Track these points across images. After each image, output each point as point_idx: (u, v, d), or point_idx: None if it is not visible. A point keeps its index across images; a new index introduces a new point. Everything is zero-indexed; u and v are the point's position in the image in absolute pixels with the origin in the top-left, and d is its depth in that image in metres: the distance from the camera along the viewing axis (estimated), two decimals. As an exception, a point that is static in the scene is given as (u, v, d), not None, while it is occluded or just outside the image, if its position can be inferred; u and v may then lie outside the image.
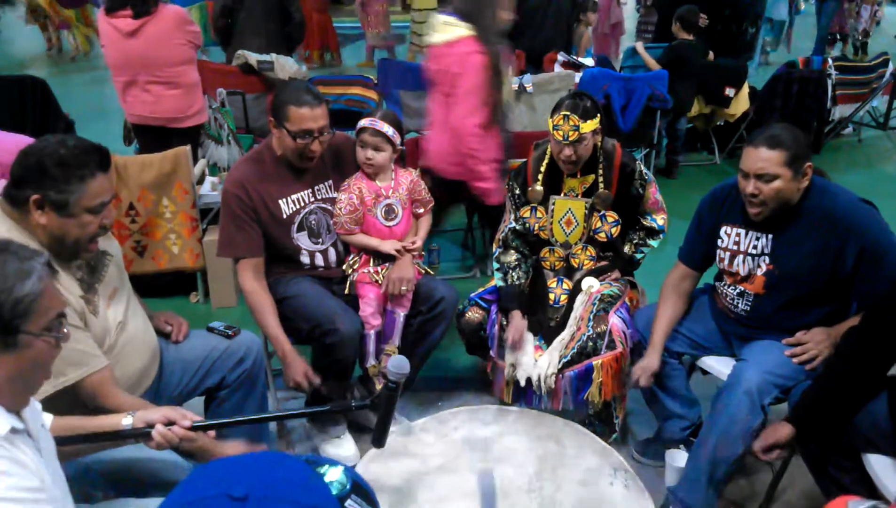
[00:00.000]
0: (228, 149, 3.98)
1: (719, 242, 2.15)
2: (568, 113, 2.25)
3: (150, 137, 3.69)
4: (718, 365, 2.22)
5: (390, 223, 2.42)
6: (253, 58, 4.24)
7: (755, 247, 2.06)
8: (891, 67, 6.09)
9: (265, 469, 0.80)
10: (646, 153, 5.07)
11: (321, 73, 8.21)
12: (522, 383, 2.35)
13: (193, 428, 1.51)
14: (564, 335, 2.37)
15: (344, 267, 2.44)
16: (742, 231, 2.10)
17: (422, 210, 2.54)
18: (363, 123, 2.36)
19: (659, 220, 2.49)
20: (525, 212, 2.50)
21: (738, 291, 2.12)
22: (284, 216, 2.32)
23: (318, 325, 2.18)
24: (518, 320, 2.39)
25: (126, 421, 1.51)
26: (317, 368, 2.22)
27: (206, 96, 3.88)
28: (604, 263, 2.54)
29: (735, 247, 2.11)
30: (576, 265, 2.52)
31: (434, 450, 1.87)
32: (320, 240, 2.41)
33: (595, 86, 4.57)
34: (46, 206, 1.59)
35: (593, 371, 2.26)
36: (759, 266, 2.06)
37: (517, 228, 2.53)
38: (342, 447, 2.44)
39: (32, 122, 4.04)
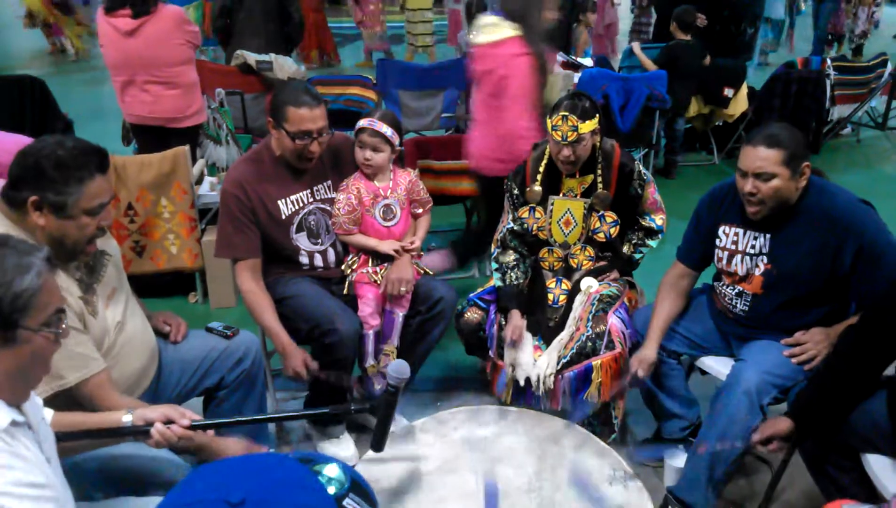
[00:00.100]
0: (227, 149, 3.98)
1: (717, 241, 2.15)
2: (566, 113, 2.25)
3: (149, 137, 3.69)
4: (717, 365, 2.22)
5: (389, 224, 2.42)
6: (252, 58, 4.24)
7: (753, 247, 2.07)
8: (889, 67, 6.10)
9: (262, 472, 0.81)
10: (644, 153, 5.08)
11: (320, 73, 8.21)
12: (522, 383, 2.35)
13: (192, 427, 1.52)
14: (563, 335, 2.37)
15: (343, 267, 2.44)
16: (740, 231, 2.10)
17: (420, 210, 2.54)
18: (362, 123, 2.35)
19: (658, 220, 2.50)
20: (523, 212, 2.50)
21: (736, 291, 2.13)
22: (283, 217, 2.32)
23: (317, 325, 2.18)
24: (517, 317, 2.39)
25: (126, 419, 1.52)
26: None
27: (204, 96, 3.88)
28: (602, 263, 2.54)
29: (733, 247, 2.11)
30: (574, 266, 2.52)
31: (433, 450, 1.87)
32: (319, 240, 2.41)
33: (594, 86, 4.58)
34: (45, 207, 1.59)
35: (592, 372, 2.26)
36: (756, 266, 2.06)
37: (515, 228, 2.53)
38: (341, 447, 2.45)
39: (31, 121, 4.03)
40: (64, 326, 1.22)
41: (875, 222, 1.94)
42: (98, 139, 1.69)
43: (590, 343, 2.28)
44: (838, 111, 5.96)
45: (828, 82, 5.69)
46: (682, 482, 2.09)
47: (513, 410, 2.08)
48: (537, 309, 2.49)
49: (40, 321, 1.16)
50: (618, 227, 2.46)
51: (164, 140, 3.56)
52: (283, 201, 2.32)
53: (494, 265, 2.53)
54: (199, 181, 3.52)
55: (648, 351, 2.18)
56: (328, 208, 2.40)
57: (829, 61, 5.85)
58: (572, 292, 2.47)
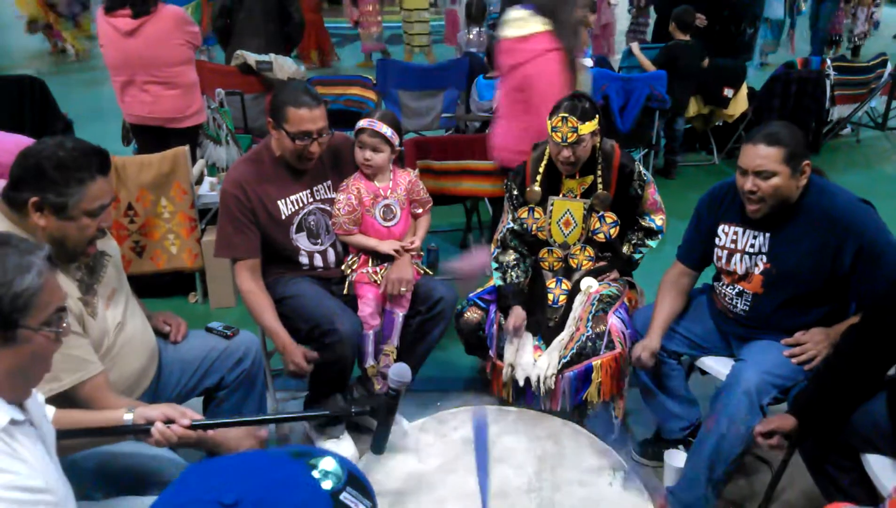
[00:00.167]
0: (227, 149, 3.98)
1: (717, 240, 2.16)
2: (566, 115, 2.25)
3: (149, 137, 3.69)
4: (717, 365, 2.22)
5: (389, 224, 2.43)
6: (251, 58, 4.24)
7: (752, 245, 2.07)
8: (889, 67, 6.10)
9: (256, 472, 0.81)
10: (644, 154, 5.07)
11: (320, 73, 8.21)
12: (522, 383, 2.35)
13: (192, 427, 1.52)
14: (563, 335, 2.37)
15: (343, 267, 2.44)
16: (740, 229, 2.10)
17: (420, 210, 2.54)
18: (362, 123, 2.35)
19: (657, 220, 2.50)
20: (523, 213, 2.50)
21: (736, 290, 2.13)
22: (283, 217, 2.32)
23: (317, 325, 2.18)
24: (519, 310, 2.39)
25: (127, 417, 1.52)
26: (316, 368, 2.22)
27: (204, 96, 3.88)
28: (602, 263, 2.54)
29: (732, 245, 2.11)
30: (574, 266, 2.52)
31: (433, 450, 1.87)
32: (319, 241, 2.41)
33: (593, 86, 4.57)
34: (45, 208, 1.59)
35: (592, 372, 2.26)
36: (756, 265, 2.06)
37: (515, 228, 2.53)
38: (341, 447, 2.44)
39: (31, 122, 4.04)
40: (65, 325, 1.22)
41: (875, 221, 1.94)
42: (98, 139, 1.69)
43: (590, 343, 2.28)
44: (838, 111, 5.96)
45: (827, 83, 5.69)
46: (682, 482, 2.09)
47: (513, 410, 2.09)
48: (537, 309, 2.48)
49: (41, 320, 1.16)
50: (618, 227, 2.46)
51: (164, 140, 3.56)
52: (283, 201, 2.32)
53: (494, 265, 2.53)
54: (199, 181, 3.52)
55: (652, 339, 2.19)
56: (328, 209, 2.40)
57: (828, 62, 5.85)
58: (572, 293, 2.47)
